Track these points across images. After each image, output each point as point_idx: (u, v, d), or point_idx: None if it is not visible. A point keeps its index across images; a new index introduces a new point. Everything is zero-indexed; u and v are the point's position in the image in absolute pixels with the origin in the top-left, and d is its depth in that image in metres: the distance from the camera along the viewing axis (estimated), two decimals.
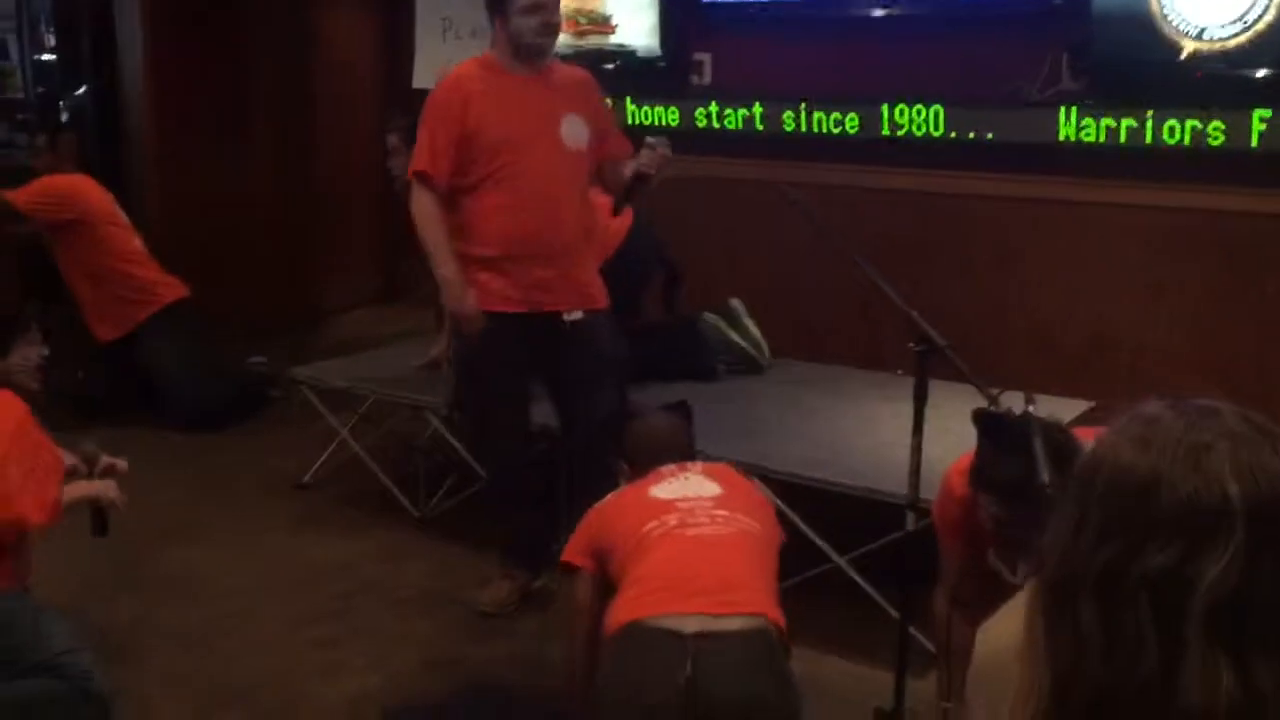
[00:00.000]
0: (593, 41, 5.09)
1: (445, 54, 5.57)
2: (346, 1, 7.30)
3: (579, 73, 3.55)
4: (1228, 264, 3.97)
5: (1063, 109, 4.04)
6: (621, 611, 2.46)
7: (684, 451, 2.92)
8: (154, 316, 5.13)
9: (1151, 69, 3.92)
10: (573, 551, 2.73)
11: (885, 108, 4.39)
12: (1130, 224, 4.11)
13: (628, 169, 3.39)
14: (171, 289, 5.21)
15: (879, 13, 4.43)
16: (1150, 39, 3.85)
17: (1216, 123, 3.79)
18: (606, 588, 2.62)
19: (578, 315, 3.37)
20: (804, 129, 4.59)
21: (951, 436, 3.32)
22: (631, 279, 4.03)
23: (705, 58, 4.96)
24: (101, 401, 5.02)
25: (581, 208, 3.41)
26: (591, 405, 3.43)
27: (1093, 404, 3.92)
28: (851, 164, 4.55)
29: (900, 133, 4.39)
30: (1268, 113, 3.70)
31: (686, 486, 2.71)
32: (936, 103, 4.28)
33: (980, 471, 2.36)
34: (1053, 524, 1.02)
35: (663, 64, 4.94)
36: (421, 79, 5.69)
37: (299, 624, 3.51)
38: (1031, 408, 2.29)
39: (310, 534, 4.16)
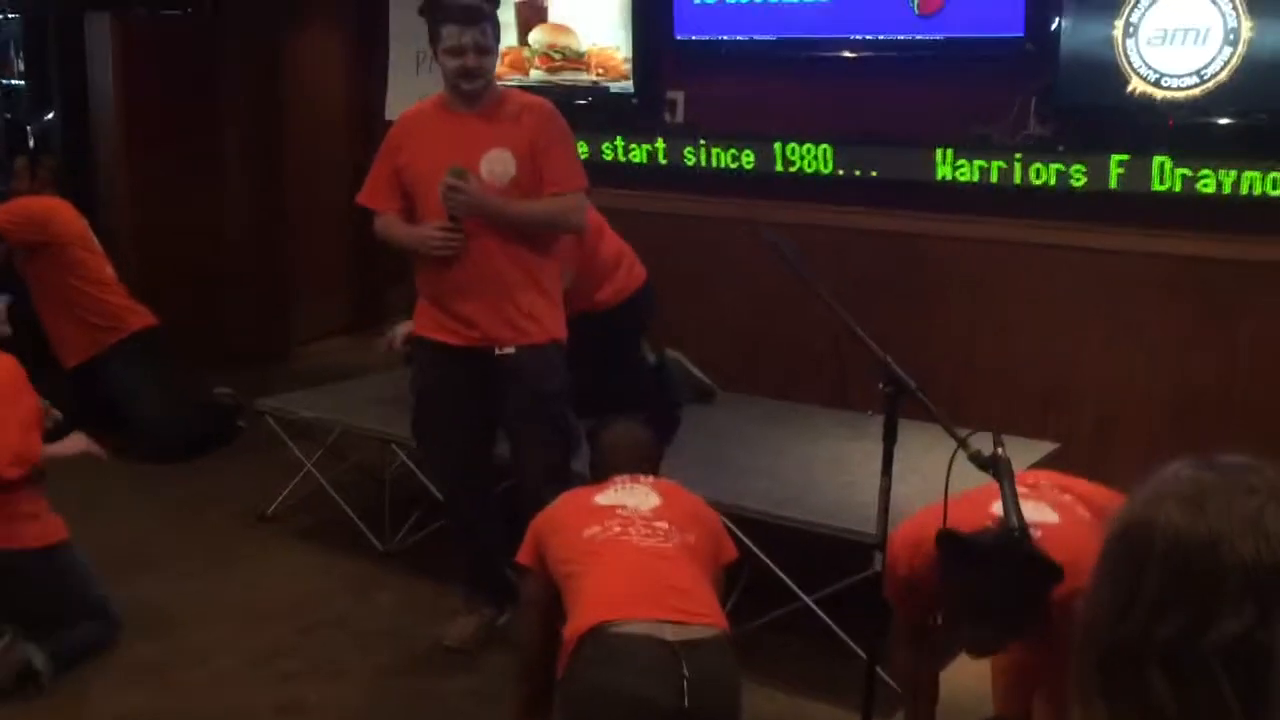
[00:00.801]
0: (566, 77, 5.12)
1: (419, 87, 5.57)
2: (320, 30, 7.32)
3: (531, 102, 3.45)
4: (1200, 309, 4.02)
5: (1023, 154, 4.09)
6: (588, 614, 2.50)
7: (640, 464, 2.98)
8: (121, 343, 5.08)
9: (1116, 114, 3.99)
10: (522, 553, 2.82)
11: (856, 148, 4.43)
12: (1102, 268, 4.16)
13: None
14: (140, 317, 5.17)
15: (849, 54, 4.48)
16: (1115, 85, 3.92)
17: (1180, 169, 3.84)
18: (552, 586, 2.71)
19: (509, 350, 3.34)
20: (777, 168, 4.62)
21: (919, 477, 3.34)
22: (635, 326, 4.09)
23: (678, 96, 5.00)
24: (66, 428, 4.94)
25: (511, 242, 3.32)
26: (523, 450, 3.43)
27: (1057, 445, 3.96)
28: (823, 203, 4.58)
29: (871, 173, 4.43)
30: (1233, 160, 3.77)
31: (628, 496, 2.80)
32: (907, 144, 4.32)
33: (951, 597, 2.36)
34: (1096, 592, 0.98)
35: (635, 101, 4.97)
36: (394, 111, 5.69)
37: (260, 658, 3.46)
38: (1000, 450, 2.31)
39: (274, 566, 4.11)
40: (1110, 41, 3.91)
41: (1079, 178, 4.04)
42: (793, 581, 3.38)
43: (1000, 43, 4.18)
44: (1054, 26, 4.02)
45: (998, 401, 4.26)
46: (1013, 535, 2.23)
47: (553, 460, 3.40)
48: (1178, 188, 3.87)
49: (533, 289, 3.37)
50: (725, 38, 4.74)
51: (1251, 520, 0.91)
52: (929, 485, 3.19)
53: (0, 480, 3.19)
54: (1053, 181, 4.08)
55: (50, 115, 6.33)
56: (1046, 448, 3.90)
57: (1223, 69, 3.77)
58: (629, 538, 2.66)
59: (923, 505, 3.16)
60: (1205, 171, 3.81)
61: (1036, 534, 2.35)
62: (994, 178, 4.19)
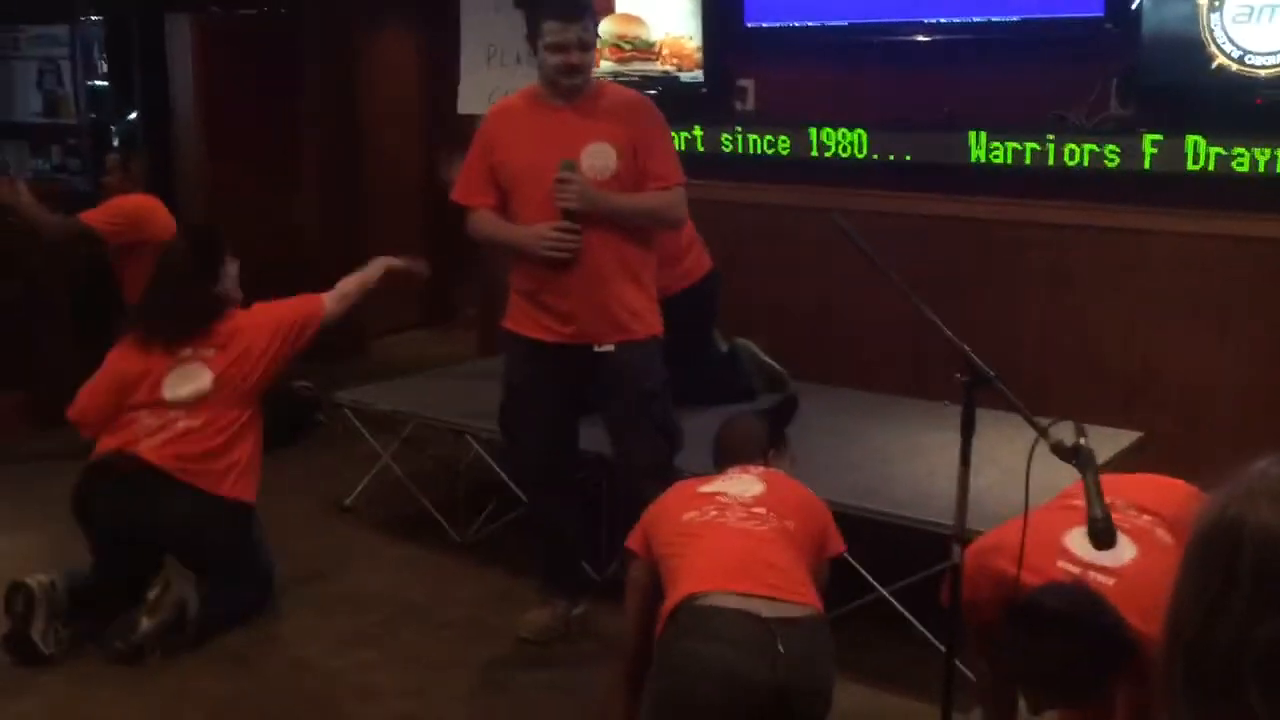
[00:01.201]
0: (636, 68, 5.11)
1: (490, 80, 5.61)
2: (393, 28, 7.39)
3: (629, 97, 3.44)
4: None
5: (1103, 136, 4.00)
6: (683, 588, 2.53)
7: (754, 455, 3.01)
8: None
9: (1202, 95, 3.87)
10: (631, 538, 2.89)
11: (940, 134, 4.36)
12: (1187, 252, 4.05)
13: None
14: None
15: (923, 38, 4.41)
16: (1201, 65, 3.80)
17: (1268, 150, 3.72)
18: (655, 572, 2.75)
19: (609, 348, 3.32)
20: (850, 154, 4.57)
21: (998, 467, 3.29)
22: (700, 314, 4.08)
23: (748, 84, 4.96)
24: None
25: (613, 237, 3.30)
26: (628, 448, 3.42)
27: (1141, 434, 3.86)
28: (900, 190, 4.52)
29: (951, 159, 4.35)
30: None
31: (732, 484, 2.83)
32: (987, 128, 4.24)
33: (1015, 667, 2.32)
34: (1182, 598, 0.94)
35: (705, 90, 4.94)
36: (466, 105, 5.73)
37: (340, 647, 3.51)
38: (1083, 440, 2.25)
39: (352, 557, 4.17)
40: (1193, 19, 3.80)
41: (1162, 160, 3.93)
42: (869, 573, 3.34)
43: (1079, 23, 4.08)
44: (1135, 5, 3.91)
45: (1079, 391, 4.17)
46: (1082, 594, 2.22)
47: (657, 458, 3.38)
48: (1263, 170, 3.75)
49: (633, 284, 3.35)
50: (796, 24, 4.68)
51: None
52: (1008, 476, 3.15)
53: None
54: (1135, 165, 3.98)
55: (133, 115, 6.47)
56: (1130, 437, 3.81)
57: None
58: (725, 520, 2.68)
59: (1000, 496, 3.12)
60: None
61: (1109, 582, 2.31)
62: (1075, 160, 4.09)
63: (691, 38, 4.96)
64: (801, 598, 2.53)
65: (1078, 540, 2.45)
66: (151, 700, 3.24)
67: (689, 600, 2.48)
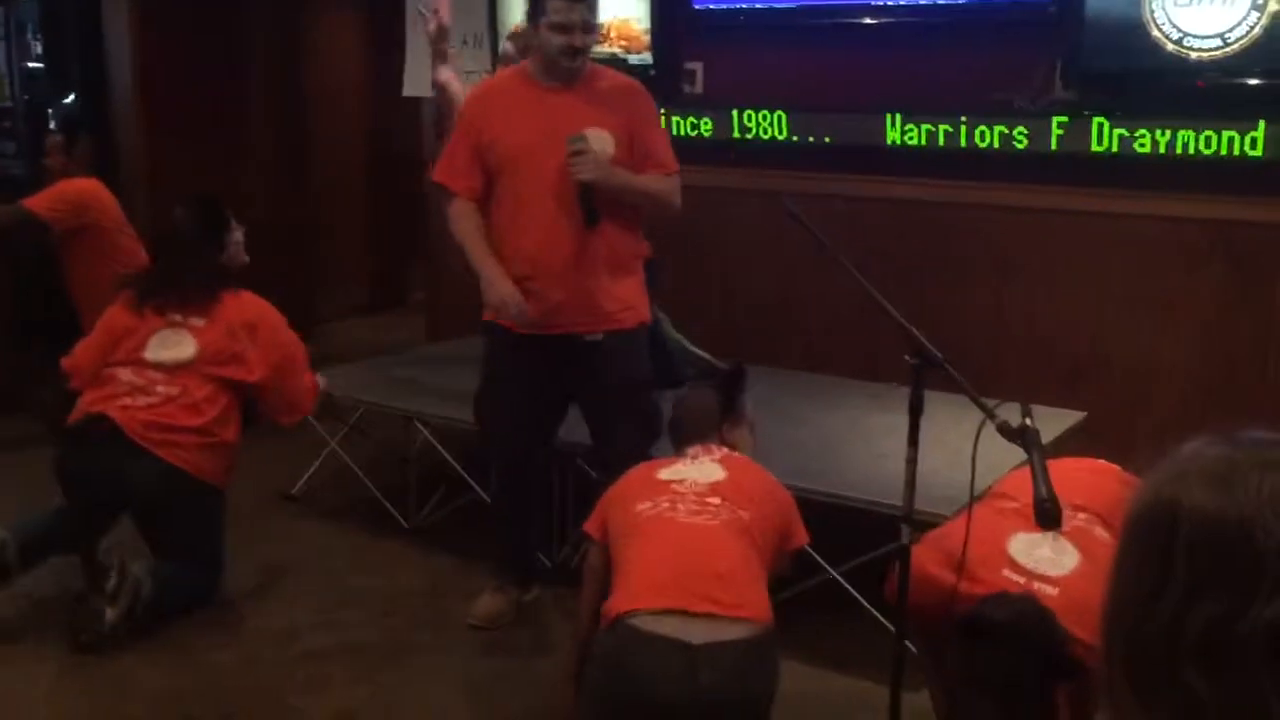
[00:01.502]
0: None
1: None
2: (336, 8, 7.29)
3: (624, 83, 3.37)
4: (1233, 275, 3.95)
5: (1056, 119, 4.03)
6: (620, 598, 2.51)
7: (709, 430, 2.99)
8: None
9: (1144, 78, 3.91)
10: (589, 522, 2.87)
11: (882, 117, 4.37)
12: (1131, 234, 4.10)
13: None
14: None
15: (870, 21, 4.41)
16: (1143, 48, 3.84)
17: (1211, 132, 3.77)
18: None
19: (597, 337, 3.28)
20: (796, 138, 4.57)
21: (947, 449, 3.31)
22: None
23: (697, 66, 4.94)
24: None
25: (605, 224, 3.24)
26: (612, 437, 3.37)
27: (1084, 414, 3.91)
28: (846, 173, 4.53)
29: (896, 142, 4.37)
30: (1264, 123, 3.69)
31: (691, 470, 2.80)
32: (931, 112, 4.26)
33: (970, 678, 2.30)
34: (1119, 583, 0.93)
35: (654, 72, 4.92)
36: (412, 88, 5.67)
37: (287, 636, 3.47)
38: (1028, 420, 2.27)
39: (299, 545, 4.12)
40: (1136, 3, 3.83)
41: (1104, 142, 3.97)
42: (819, 555, 3.35)
43: (1024, 6, 4.11)
44: None
45: (1026, 372, 4.21)
46: (1029, 606, 2.23)
47: (637, 450, 3.32)
48: (1207, 150, 3.80)
49: (623, 272, 3.31)
50: (744, 6, 4.68)
51: None
52: (956, 457, 3.16)
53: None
54: (1078, 147, 4.02)
55: (70, 98, 6.32)
56: (1074, 417, 3.85)
57: (1251, 29, 3.69)
58: (675, 514, 2.65)
59: (949, 478, 3.14)
60: (1232, 134, 3.73)
61: (1053, 592, 2.33)
62: (1019, 144, 4.12)
63: (639, 20, 4.93)
64: (742, 610, 2.48)
65: (1021, 547, 2.47)
66: (93, 692, 3.18)
67: (622, 619, 2.45)
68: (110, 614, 3.32)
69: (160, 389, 3.55)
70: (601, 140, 3.20)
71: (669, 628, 2.42)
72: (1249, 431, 0.94)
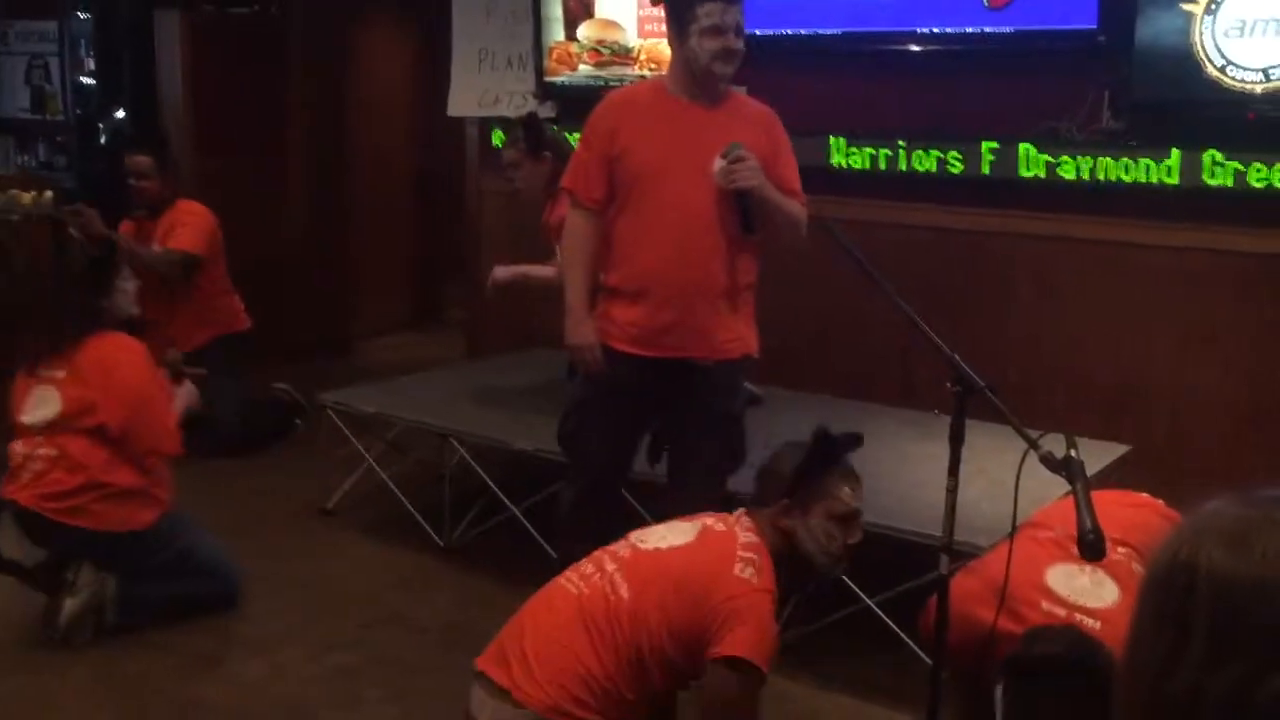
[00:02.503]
0: (615, 72, 5.09)
1: (481, 84, 5.60)
2: (382, 28, 7.37)
3: (759, 108, 3.27)
4: (1278, 308, 3.88)
5: (1095, 149, 4.00)
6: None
7: (769, 498, 2.65)
8: (221, 339, 5.15)
9: (1193, 109, 3.87)
10: None
11: (926, 145, 4.35)
12: (1177, 266, 4.05)
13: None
14: (243, 319, 5.30)
15: (915, 48, 4.40)
16: (1193, 79, 3.80)
17: (1260, 165, 3.73)
18: None
19: (706, 364, 3.14)
20: (841, 163, 4.56)
21: (987, 479, 3.27)
22: None
23: (741, 91, 4.93)
24: None
25: (731, 252, 3.12)
26: (698, 469, 3.24)
27: (1129, 448, 3.85)
28: (889, 200, 4.51)
29: (940, 169, 4.35)
30: None
31: (658, 532, 2.61)
32: (980, 140, 4.24)
33: (1024, 715, 2.24)
34: (1136, 644, 0.92)
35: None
36: (457, 108, 5.72)
37: (319, 652, 3.47)
38: (1074, 452, 2.24)
39: (333, 561, 4.13)
40: (1186, 32, 3.80)
41: (1153, 173, 3.93)
42: (855, 584, 3.32)
43: (1072, 35, 4.08)
44: (1127, 18, 3.91)
45: (1067, 403, 4.16)
46: (1074, 636, 2.19)
47: (723, 480, 3.26)
48: (1256, 184, 3.75)
49: (738, 302, 3.19)
50: (789, 32, 4.67)
51: None
52: (996, 488, 3.13)
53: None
54: (1125, 176, 3.98)
55: (120, 113, 6.42)
56: (1119, 450, 3.80)
57: None
58: (566, 579, 2.52)
59: (989, 508, 3.11)
60: None
61: (1095, 625, 2.29)
62: (1065, 173, 4.09)
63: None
64: (534, 700, 2.34)
65: (1059, 578, 2.43)
66: (119, 702, 3.19)
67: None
68: (69, 605, 3.36)
69: (41, 452, 3.41)
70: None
71: (475, 695, 2.46)
72: (1270, 489, 0.91)
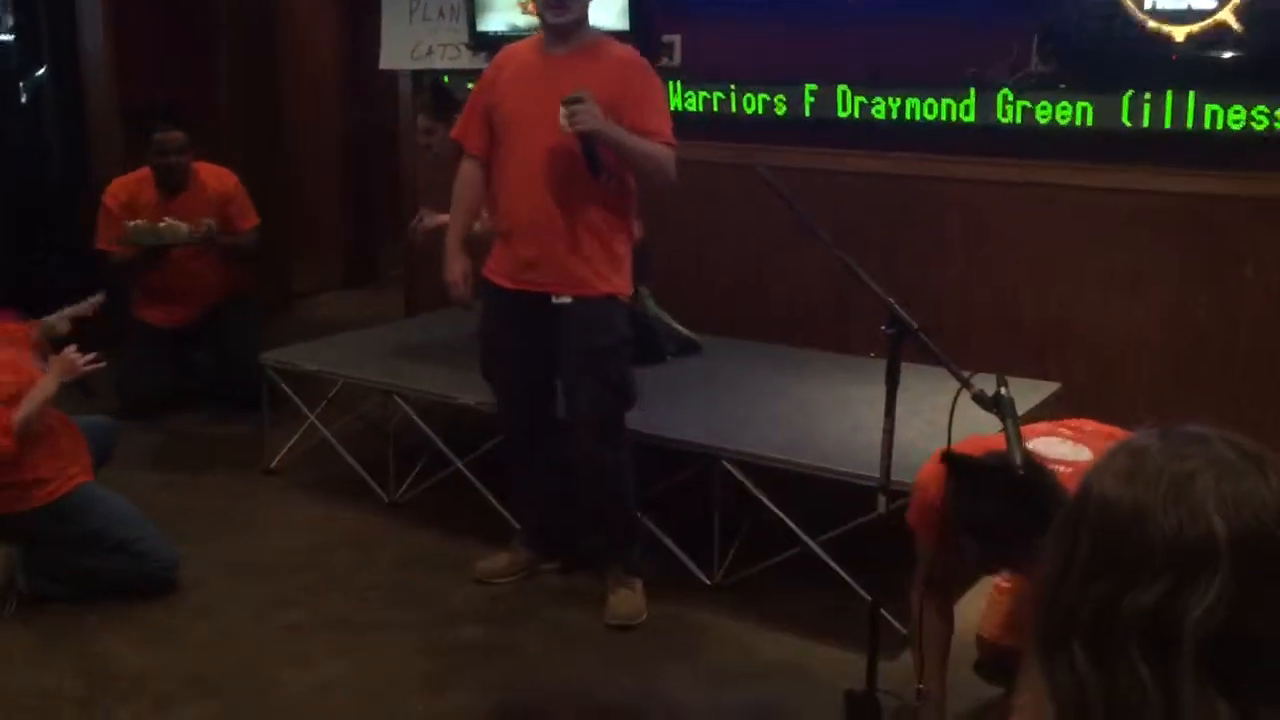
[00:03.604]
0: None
1: (413, 36, 5.51)
2: None
3: (621, 53, 3.39)
4: (1204, 249, 3.98)
5: (1022, 92, 4.05)
6: None
7: None
8: (237, 295, 5.24)
9: (1122, 51, 3.93)
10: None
11: (855, 90, 4.38)
12: (1102, 207, 4.12)
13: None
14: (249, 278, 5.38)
15: None
16: (1121, 21, 3.86)
17: (1187, 105, 3.80)
18: None
19: (566, 300, 3.32)
20: (774, 112, 4.57)
21: (922, 419, 3.34)
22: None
23: (675, 39, 4.93)
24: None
25: (581, 195, 3.28)
26: (580, 405, 3.39)
27: (1058, 385, 3.94)
28: (822, 147, 4.53)
29: (872, 115, 4.38)
30: (1239, 96, 3.72)
31: None
32: (907, 85, 4.27)
33: (956, 513, 2.38)
34: (1045, 558, 0.99)
35: (631, 45, 4.90)
36: (389, 60, 5.63)
37: (267, 612, 3.48)
38: (1004, 390, 2.30)
39: (278, 520, 4.12)
40: None
41: (1079, 116, 3.99)
42: (797, 525, 3.38)
43: None
44: None
45: (998, 344, 4.23)
46: (1021, 459, 2.25)
47: (604, 416, 3.38)
48: (1182, 124, 3.82)
49: (598, 242, 3.33)
50: None
51: (1176, 493, 0.92)
52: (932, 428, 3.19)
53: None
54: (1052, 119, 4.04)
55: (42, 71, 6.25)
56: (1050, 388, 3.89)
57: (1228, 1, 3.71)
58: None
59: (925, 448, 3.17)
60: (1212, 107, 3.76)
61: (1065, 470, 2.38)
62: (994, 117, 4.14)
63: None
64: None
65: (1042, 444, 2.54)
66: (66, 670, 3.18)
67: None
68: None
69: None
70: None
71: None
72: (1188, 426, 0.98)
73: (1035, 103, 4.06)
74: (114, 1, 5.99)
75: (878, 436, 2.64)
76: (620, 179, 3.35)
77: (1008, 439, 2.25)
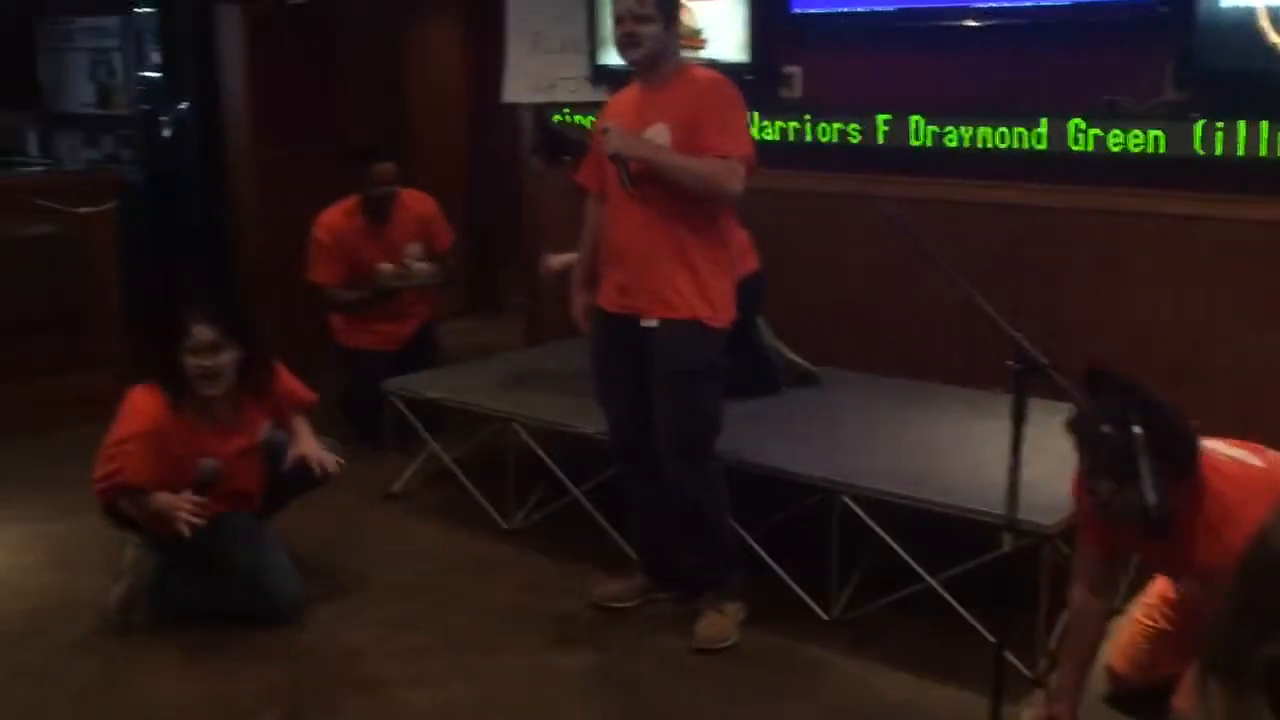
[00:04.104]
0: (683, 54, 5.09)
1: (535, 69, 5.63)
2: (437, 17, 7.43)
3: (702, 77, 3.40)
4: None
5: (1156, 121, 3.95)
6: None
7: None
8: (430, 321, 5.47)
9: (1257, 78, 3.80)
10: None
11: (983, 120, 4.32)
12: (1239, 237, 3.98)
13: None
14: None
15: (973, 23, 4.36)
16: (1258, 48, 3.73)
17: None
18: None
19: (653, 322, 3.37)
20: (898, 142, 4.54)
21: (1049, 456, 3.25)
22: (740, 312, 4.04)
23: (795, 70, 4.93)
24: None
25: (666, 213, 3.32)
26: (663, 427, 3.40)
27: (1197, 422, 3.80)
28: (947, 177, 4.48)
29: (996, 145, 4.32)
30: None
31: None
32: (1035, 115, 4.20)
33: (1079, 431, 2.47)
34: (1227, 595, 1.04)
35: (751, 77, 4.92)
36: (512, 94, 5.76)
37: (387, 633, 3.55)
38: (1137, 429, 2.24)
39: (399, 544, 4.21)
40: (1250, 2, 3.73)
41: (1216, 145, 3.87)
42: (918, 563, 3.33)
43: (1132, 5, 4.02)
44: None
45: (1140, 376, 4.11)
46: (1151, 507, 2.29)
47: (687, 440, 3.38)
48: None
49: (683, 265, 3.35)
50: (844, 10, 4.66)
51: None
52: (1059, 466, 3.11)
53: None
54: (1187, 149, 3.93)
55: (184, 106, 6.54)
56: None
57: None
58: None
59: (1051, 486, 3.09)
60: None
61: (1223, 459, 2.50)
62: (1125, 146, 4.04)
63: (734, 24, 4.94)
64: None
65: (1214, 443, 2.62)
66: (202, 680, 3.29)
67: None
68: (116, 589, 3.53)
69: None
70: (660, 135, 3.32)
71: None
72: None
73: (1165, 131, 3.95)
74: (252, 38, 6.25)
75: (1002, 473, 2.58)
76: (709, 208, 3.36)
77: (1140, 479, 2.19)
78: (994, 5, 4.29)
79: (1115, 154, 4.08)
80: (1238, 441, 2.71)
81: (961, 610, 3.26)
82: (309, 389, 3.85)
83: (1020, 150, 4.27)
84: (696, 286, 3.37)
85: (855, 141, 4.65)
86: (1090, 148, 4.12)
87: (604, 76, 5.32)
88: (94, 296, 5.55)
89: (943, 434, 3.86)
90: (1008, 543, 2.60)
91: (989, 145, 4.34)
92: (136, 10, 6.63)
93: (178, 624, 3.54)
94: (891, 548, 3.35)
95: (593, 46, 5.34)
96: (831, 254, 4.84)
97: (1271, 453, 2.65)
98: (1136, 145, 4.03)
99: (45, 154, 7.11)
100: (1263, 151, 3.79)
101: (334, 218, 5.24)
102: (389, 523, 4.40)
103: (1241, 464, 2.54)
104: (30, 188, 5.37)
